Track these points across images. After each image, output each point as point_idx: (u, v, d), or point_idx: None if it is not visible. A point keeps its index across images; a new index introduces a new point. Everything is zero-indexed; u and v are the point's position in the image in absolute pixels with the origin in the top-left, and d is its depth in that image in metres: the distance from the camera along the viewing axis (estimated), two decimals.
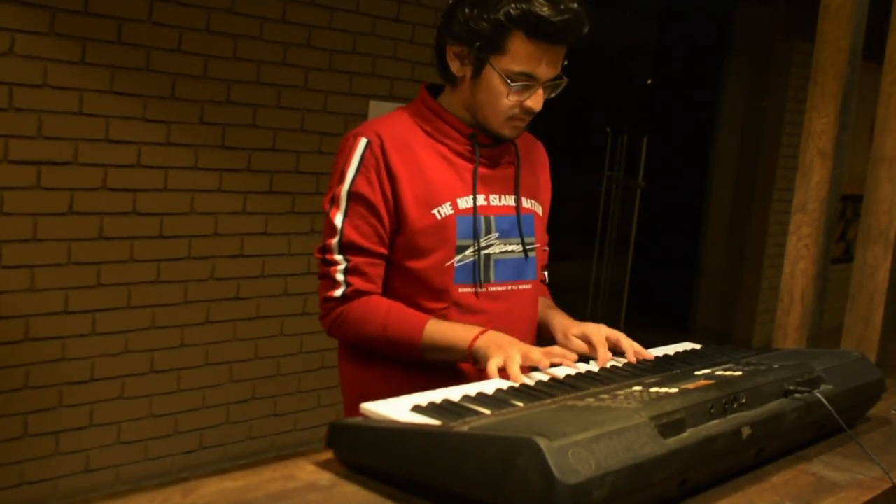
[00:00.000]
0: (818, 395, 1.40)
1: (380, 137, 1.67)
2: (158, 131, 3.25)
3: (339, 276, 1.67)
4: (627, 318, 5.65)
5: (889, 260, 2.78)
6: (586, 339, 1.72)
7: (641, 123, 5.59)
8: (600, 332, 1.70)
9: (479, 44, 1.63)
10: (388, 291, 1.71)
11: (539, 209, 1.85)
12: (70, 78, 3.00)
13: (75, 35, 3.00)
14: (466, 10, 1.63)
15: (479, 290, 1.71)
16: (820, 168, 2.76)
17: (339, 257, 1.67)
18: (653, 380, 1.42)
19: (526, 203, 1.80)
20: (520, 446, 1.01)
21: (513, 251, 1.76)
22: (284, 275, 3.70)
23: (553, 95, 1.71)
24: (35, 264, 3.01)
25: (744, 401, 1.29)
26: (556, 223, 2.02)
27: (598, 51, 5.03)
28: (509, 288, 1.75)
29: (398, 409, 1.26)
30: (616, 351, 1.69)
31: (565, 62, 1.68)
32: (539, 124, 1.90)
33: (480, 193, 1.72)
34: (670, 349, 1.78)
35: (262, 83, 3.51)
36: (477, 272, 1.70)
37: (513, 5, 1.59)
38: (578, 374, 1.53)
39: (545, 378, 1.49)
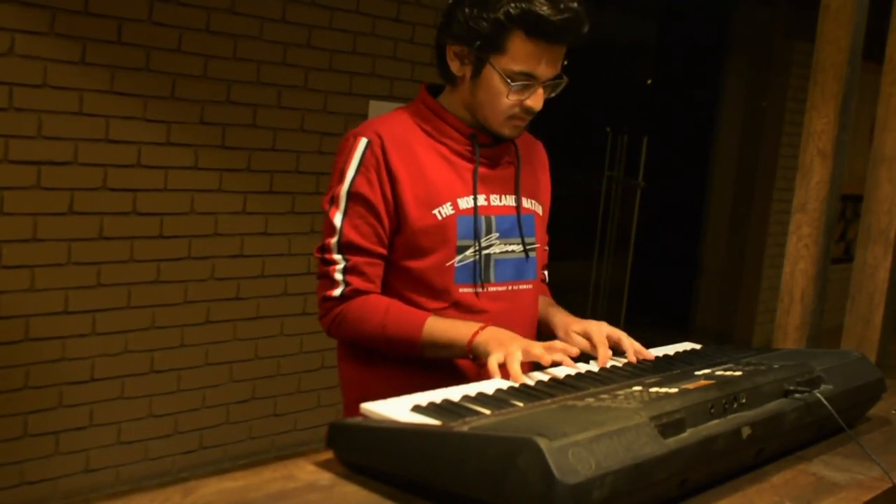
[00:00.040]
0: (818, 395, 1.40)
1: (380, 137, 1.67)
2: (158, 131, 3.25)
3: (338, 276, 1.67)
4: (627, 318, 5.65)
5: (889, 260, 2.78)
6: (587, 337, 1.72)
7: (641, 123, 5.59)
8: (601, 331, 1.70)
9: (478, 43, 1.63)
10: (387, 291, 1.70)
11: (539, 209, 1.85)
12: (70, 78, 3.00)
13: (75, 35, 3.00)
14: (466, 10, 1.63)
15: (479, 290, 1.71)
16: (820, 168, 2.76)
17: (338, 257, 1.67)
18: (653, 380, 1.42)
19: (526, 203, 1.80)
20: (520, 446, 1.01)
21: (513, 251, 1.76)
22: (284, 275, 3.70)
23: (553, 95, 1.71)
24: (35, 264, 3.01)
25: (744, 401, 1.29)
26: (556, 223, 2.02)
27: (598, 51, 5.03)
28: (510, 288, 1.75)
29: (398, 409, 1.26)
30: (617, 350, 1.69)
31: (565, 62, 1.68)
32: (539, 124, 1.90)
33: (481, 193, 1.72)
34: (670, 349, 1.78)
35: (262, 83, 3.51)
36: (478, 272, 1.70)
37: (512, 4, 1.59)
38: (578, 374, 1.53)
39: (545, 378, 1.49)
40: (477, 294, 1.70)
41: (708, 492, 1.23)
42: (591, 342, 1.70)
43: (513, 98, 1.65)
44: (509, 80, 1.63)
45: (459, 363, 1.68)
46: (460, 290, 1.69)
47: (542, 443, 0.99)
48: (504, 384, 1.45)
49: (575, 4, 1.61)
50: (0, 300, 2.95)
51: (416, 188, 1.66)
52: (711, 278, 6.76)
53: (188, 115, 3.32)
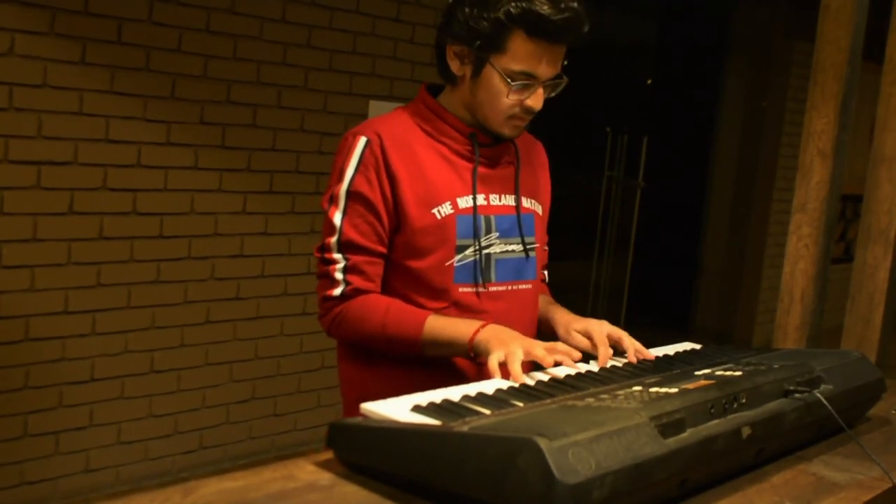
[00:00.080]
0: (818, 395, 1.40)
1: (379, 137, 1.67)
2: (158, 131, 3.25)
3: (338, 275, 1.67)
4: (627, 318, 5.65)
5: (889, 260, 2.78)
6: (588, 336, 1.72)
7: (641, 123, 5.59)
8: (602, 330, 1.70)
9: (479, 43, 1.63)
10: (387, 291, 1.70)
11: (539, 209, 1.85)
12: (70, 78, 3.00)
13: (75, 35, 3.00)
14: (466, 10, 1.63)
15: (481, 289, 1.71)
16: (820, 168, 2.76)
17: (337, 256, 1.67)
18: (653, 380, 1.42)
19: (526, 203, 1.80)
20: (520, 446, 1.01)
21: (513, 251, 1.76)
22: (284, 275, 3.70)
23: (553, 95, 1.71)
24: (35, 264, 3.01)
25: (744, 401, 1.29)
26: (556, 223, 2.02)
27: (598, 51, 5.03)
28: (509, 288, 1.75)
29: (398, 409, 1.26)
30: (617, 349, 1.69)
31: (565, 62, 1.68)
32: (539, 124, 1.90)
33: (480, 193, 1.72)
34: (670, 349, 1.78)
35: (262, 83, 3.51)
36: (478, 272, 1.70)
37: (513, 4, 1.59)
38: (578, 374, 1.53)
39: (545, 378, 1.49)
40: (478, 294, 1.70)
41: (708, 492, 1.23)
42: (591, 341, 1.70)
43: (513, 98, 1.65)
44: (509, 80, 1.63)
45: (459, 363, 1.69)
46: (460, 289, 1.69)
47: (542, 443, 0.99)
48: (504, 384, 1.45)
49: (575, 4, 1.61)
50: (0, 300, 2.95)
51: (416, 187, 1.66)
52: (711, 278, 6.76)
53: (188, 115, 3.32)
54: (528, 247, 1.78)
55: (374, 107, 3.84)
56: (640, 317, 5.69)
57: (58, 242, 3.05)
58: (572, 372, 1.54)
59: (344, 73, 3.76)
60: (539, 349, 1.54)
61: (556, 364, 1.56)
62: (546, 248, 1.91)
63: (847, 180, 2.94)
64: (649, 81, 5.76)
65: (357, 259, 1.66)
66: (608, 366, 1.62)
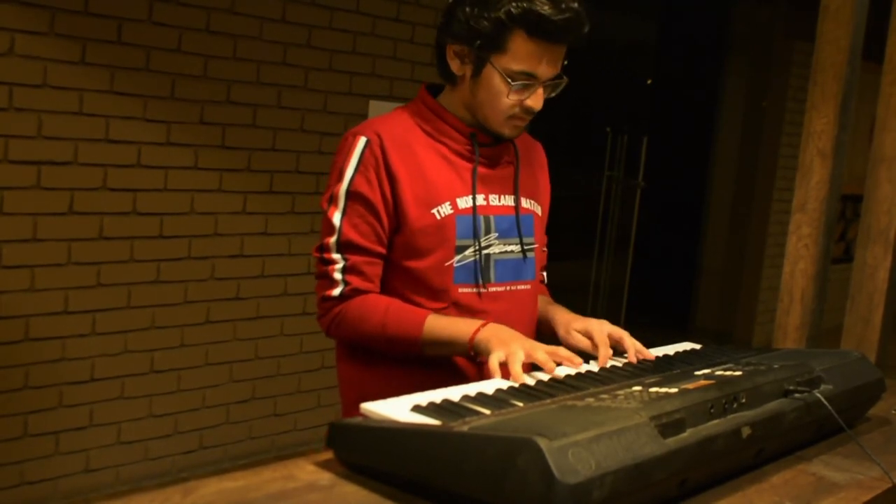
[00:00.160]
0: (818, 395, 1.40)
1: (379, 137, 1.66)
2: (158, 131, 3.25)
3: (337, 275, 1.66)
4: (627, 318, 5.65)
5: (889, 260, 2.78)
6: (588, 336, 1.72)
7: (641, 123, 5.59)
8: (602, 330, 1.70)
9: (479, 42, 1.63)
10: (386, 291, 1.70)
11: (538, 209, 1.84)
12: (70, 78, 3.00)
13: (75, 35, 3.00)
14: (467, 9, 1.63)
15: (480, 290, 1.71)
16: (820, 168, 2.76)
17: (336, 256, 1.67)
18: (653, 380, 1.42)
19: (525, 203, 1.80)
20: (520, 446, 1.01)
21: (512, 251, 1.76)
22: (284, 275, 3.70)
23: (553, 95, 1.71)
24: (35, 264, 3.01)
25: (744, 401, 1.29)
26: (556, 223, 2.02)
27: (598, 51, 5.03)
28: (508, 288, 1.75)
29: (398, 409, 1.26)
30: (618, 349, 1.69)
31: (565, 62, 1.68)
32: (539, 124, 1.90)
33: (480, 193, 1.72)
34: (670, 349, 1.78)
35: (262, 83, 3.51)
36: (478, 272, 1.70)
37: (514, 4, 1.59)
38: (578, 374, 1.53)
39: (545, 378, 1.49)
40: (478, 294, 1.70)
41: (708, 492, 1.23)
42: (592, 341, 1.70)
43: (513, 98, 1.65)
44: (510, 80, 1.63)
45: (459, 363, 1.68)
46: (459, 290, 1.69)
47: (542, 443, 0.99)
48: (504, 384, 1.45)
49: (576, 4, 1.61)
50: (0, 300, 2.95)
51: (416, 188, 1.66)
52: (711, 278, 6.76)
53: (188, 115, 3.32)
54: (526, 247, 1.78)
55: (374, 107, 3.84)
56: (640, 317, 5.68)
57: (58, 242, 3.05)
58: (572, 372, 1.54)
59: (344, 73, 3.76)
60: (541, 353, 1.53)
61: (557, 364, 1.55)
62: (545, 249, 1.91)
63: (847, 180, 2.94)
64: (649, 81, 5.76)
65: (356, 259, 1.66)
66: (608, 366, 1.62)
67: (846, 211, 6.77)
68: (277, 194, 3.64)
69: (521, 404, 1.29)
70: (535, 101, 1.66)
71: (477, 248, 1.70)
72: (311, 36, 3.62)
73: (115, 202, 3.17)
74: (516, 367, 1.48)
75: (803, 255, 2.79)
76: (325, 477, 1.19)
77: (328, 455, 1.23)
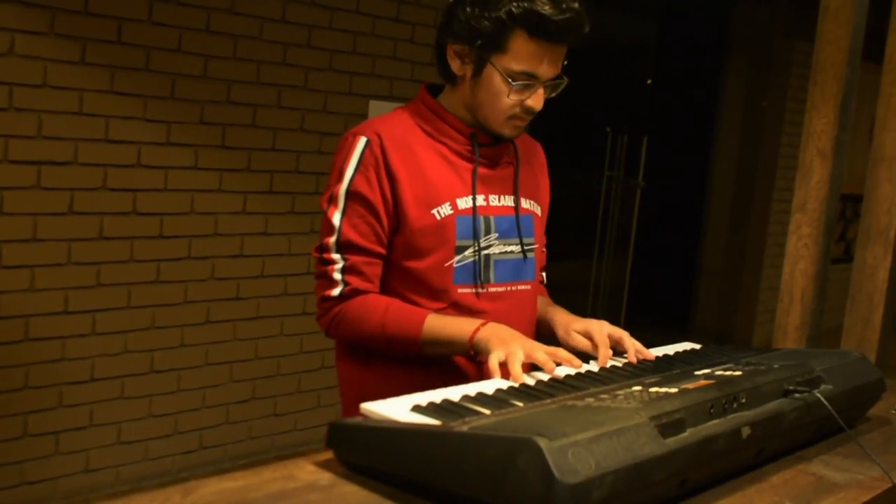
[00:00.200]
0: (818, 395, 1.40)
1: (379, 137, 1.66)
2: (158, 131, 3.25)
3: (337, 276, 1.66)
4: (627, 318, 5.65)
5: (889, 260, 2.78)
6: (588, 336, 1.72)
7: (641, 123, 5.59)
8: (602, 330, 1.70)
9: (480, 42, 1.63)
10: (386, 292, 1.70)
11: (538, 210, 1.84)
12: (70, 78, 3.00)
13: (75, 35, 3.00)
14: (468, 9, 1.63)
15: (479, 290, 1.71)
16: (820, 168, 2.76)
17: (336, 256, 1.66)
18: (653, 380, 1.42)
19: (525, 203, 1.80)
20: (520, 446, 1.01)
21: (512, 251, 1.75)
22: (284, 275, 3.70)
23: (553, 95, 1.71)
24: (35, 264, 3.01)
25: (744, 401, 1.29)
26: (556, 223, 2.02)
27: (598, 51, 5.03)
28: (508, 289, 1.75)
29: (398, 408, 1.26)
30: (617, 350, 1.69)
31: (565, 62, 1.68)
32: (539, 124, 1.90)
33: (480, 193, 1.72)
34: (670, 349, 1.78)
35: (262, 83, 3.51)
36: (477, 272, 1.70)
37: (514, 4, 1.59)
38: (578, 374, 1.53)
39: (545, 378, 1.49)
40: (477, 294, 1.70)
41: (708, 492, 1.23)
42: (592, 341, 1.70)
43: (513, 98, 1.65)
44: (510, 80, 1.63)
45: (459, 362, 1.68)
46: (459, 290, 1.69)
47: (542, 443, 0.99)
48: (504, 384, 1.45)
49: (576, 5, 1.61)
50: (0, 300, 2.95)
51: (416, 188, 1.66)
52: (711, 278, 6.76)
53: (188, 115, 3.32)
54: (526, 248, 1.78)
55: (374, 107, 3.84)
56: (640, 317, 5.68)
57: (58, 242, 3.05)
58: (572, 372, 1.54)
59: (344, 73, 3.76)
60: (541, 353, 1.53)
61: (556, 364, 1.55)
62: (544, 249, 1.91)
63: (847, 180, 2.94)
64: (649, 81, 5.76)
65: (356, 259, 1.66)
66: (608, 366, 1.62)
67: (846, 211, 6.77)
68: (277, 194, 3.64)
69: (521, 404, 1.29)
70: (536, 101, 1.66)
71: (476, 248, 1.70)
72: (311, 36, 3.63)
73: (115, 202, 3.17)
74: (516, 367, 1.48)
75: (803, 255, 2.79)
76: (325, 477, 1.19)
77: (328, 455, 1.23)
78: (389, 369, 1.70)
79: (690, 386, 1.30)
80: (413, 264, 1.68)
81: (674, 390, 1.26)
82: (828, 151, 2.74)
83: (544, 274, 1.93)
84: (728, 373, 1.43)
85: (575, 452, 1.00)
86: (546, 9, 1.58)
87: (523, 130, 1.76)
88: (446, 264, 1.68)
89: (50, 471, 3.15)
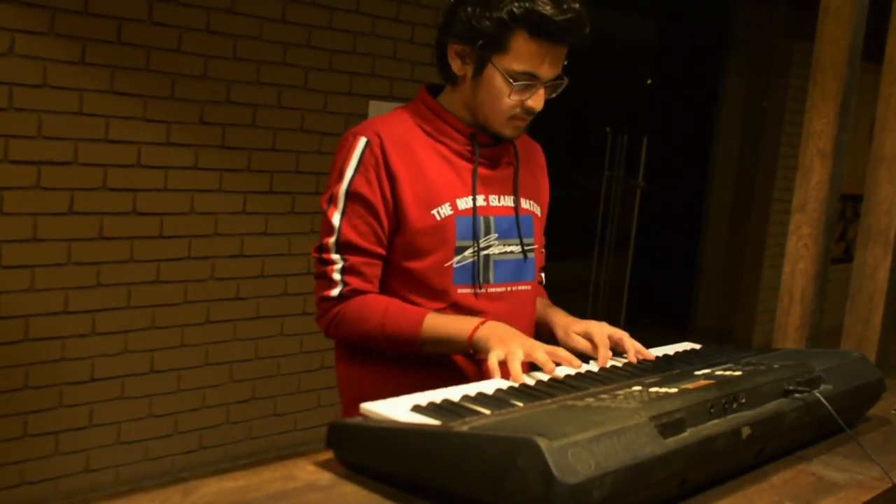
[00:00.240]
0: (818, 395, 1.40)
1: (379, 137, 1.66)
2: (158, 131, 3.25)
3: (336, 276, 1.66)
4: (627, 318, 5.65)
5: (889, 260, 2.78)
6: (588, 337, 1.72)
7: (641, 123, 5.59)
8: (603, 331, 1.70)
9: (481, 42, 1.63)
10: (386, 292, 1.70)
11: (537, 210, 1.84)
12: (70, 78, 3.00)
13: (75, 35, 3.00)
14: (469, 9, 1.63)
15: (478, 290, 1.71)
16: (820, 168, 2.76)
17: (336, 256, 1.66)
18: (653, 380, 1.42)
19: (525, 204, 1.80)
20: (520, 446, 1.01)
21: (512, 252, 1.75)
22: (284, 275, 3.70)
23: (554, 95, 1.71)
24: (35, 264, 3.01)
25: (744, 401, 1.29)
26: (556, 223, 2.02)
27: (598, 51, 5.03)
28: (508, 289, 1.75)
29: (398, 409, 1.26)
30: (618, 350, 1.69)
31: (565, 62, 1.68)
32: (539, 124, 1.90)
33: (480, 194, 1.71)
34: (670, 349, 1.78)
35: (262, 83, 3.51)
36: (476, 273, 1.70)
37: (516, 4, 1.59)
38: (578, 374, 1.53)
39: (545, 378, 1.49)
40: (476, 295, 1.70)
41: (708, 492, 1.23)
42: (591, 342, 1.70)
43: (514, 98, 1.65)
44: (511, 80, 1.63)
45: (459, 363, 1.68)
46: (459, 290, 1.69)
47: (542, 443, 0.99)
48: (504, 384, 1.45)
49: (577, 5, 1.61)
50: (0, 300, 2.95)
51: (416, 188, 1.66)
52: (711, 278, 6.76)
53: (188, 115, 3.32)
54: (526, 248, 1.78)
55: (374, 107, 3.84)
56: (640, 317, 5.69)
57: (58, 242, 3.05)
58: (572, 372, 1.54)
59: (344, 73, 3.76)
60: (540, 353, 1.53)
61: (556, 364, 1.55)
62: (543, 250, 1.91)
63: (847, 180, 2.94)
64: (649, 81, 5.76)
65: (355, 260, 1.66)
66: (608, 366, 1.62)
67: (846, 211, 6.77)
68: (277, 194, 3.64)
69: (521, 404, 1.29)
70: (537, 101, 1.66)
71: (476, 249, 1.70)
72: (311, 36, 3.63)
73: (115, 202, 3.17)
74: (515, 367, 1.48)
75: (803, 255, 2.79)
76: (325, 477, 1.19)
77: (328, 455, 1.23)
78: (389, 370, 1.69)
79: (690, 386, 1.30)
80: (413, 265, 1.68)
81: (674, 390, 1.26)
82: (828, 151, 2.74)
83: (543, 275, 1.93)
84: (728, 373, 1.43)
85: (575, 452, 1.00)
86: (547, 9, 1.58)
87: (524, 131, 1.76)
88: (446, 265, 1.68)
89: (50, 471, 3.15)
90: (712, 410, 1.23)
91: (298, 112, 3.64)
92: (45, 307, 3.05)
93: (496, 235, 1.72)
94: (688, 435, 1.16)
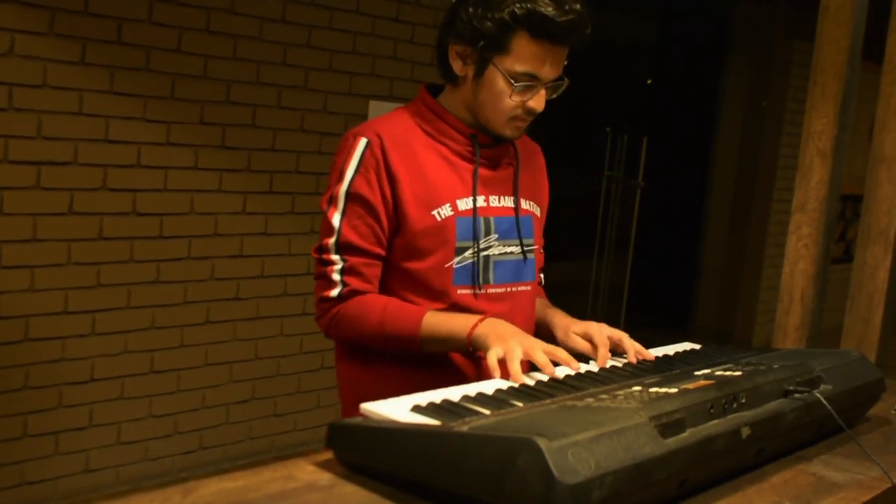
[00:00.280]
0: (818, 395, 1.40)
1: (380, 137, 1.66)
2: (158, 131, 3.25)
3: (336, 276, 1.66)
4: (627, 318, 5.65)
5: (889, 260, 2.78)
6: (588, 338, 1.72)
7: (641, 123, 5.59)
8: (602, 332, 1.70)
9: (482, 43, 1.63)
10: (386, 293, 1.70)
11: (537, 211, 1.84)
12: (70, 78, 3.00)
13: (75, 35, 3.00)
14: (470, 10, 1.63)
15: (477, 291, 1.70)
16: (820, 168, 2.76)
17: (335, 257, 1.66)
18: (652, 380, 1.42)
19: (525, 204, 1.80)
20: (520, 446, 1.01)
21: (512, 252, 1.75)
22: (284, 275, 3.70)
23: (554, 96, 1.71)
24: (35, 264, 3.01)
25: (743, 401, 1.29)
26: (556, 223, 2.02)
27: (598, 51, 5.03)
28: (508, 289, 1.75)
29: (398, 409, 1.26)
30: (618, 351, 1.69)
31: (566, 63, 1.68)
32: (539, 124, 1.90)
33: (480, 195, 1.71)
34: (670, 349, 1.78)
35: (262, 83, 3.51)
36: (476, 273, 1.70)
37: (518, 5, 1.59)
38: (578, 374, 1.53)
39: (545, 378, 1.49)
40: (475, 296, 1.70)
41: (708, 492, 1.23)
42: (591, 343, 1.70)
43: (515, 99, 1.65)
44: (513, 81, 1.63)
45: (459, 362, 1.68)
46: (458, 291, 1.69)
47: (542, 443, 0.99)
48: (504, 384, 1.45)
49: (578, 6, 1.61)
50: (0, 300, 2.95)
51: (416, 188, 1.66)
52: (711, 278, 6.76)
53: (188, 115, 3.32)
54: (526, 249, 1.78)
55: (374, 107, 3.84)
56: (640, 317, 5.69)
57: (58, 242, 3.05)
58: (572, 372, 1.54)
59: (344, 73, 3.76)
60: (539, 353, 1.52)
61: (555, 364, 1.55)
62: (542, 251, 1.91)
63: (847, 180, 2.94)
64: (649, 81, 5.76)
65: (355, 261, 1.66)
66: (608, 366, 1.62)
67: (846, 211, 6.77)
68: (277, 194, 3.64)
69: (520, 404, 1.29)
70: (538, 102, 1.66)
71: (476, 249, 1.70)
72: (311, 36, 3.63)
73: (115, 202, 3.17)
74: (514, 366, 1.48)
75: (803, 255, 2.79)
76: (325, 477, 1.19)
77: (328, 455, 1.23)
78: (389, 370, 1.69)
79: (690, 386, 1.30)
80: (413, 265, 1.68)
81: (674, 390, 1.26)
82: (828, 151, 2.74)
83: (542, 275, 1.93)
84: (728, 373, 1.43)
85: (575, 452, 1.00)
86: (549, 10, 1.58)
87: (524, 131, 1.76)
88: (446, 265, 1.67)
89: (50, 471, 3.15)
90: (712, 410, 1.23)
91: (298, 112, 3.64)
92: (45, 307, 3.05)
93: (496, 236, 1.72)
94: (688, 435, 1.16)
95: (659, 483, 1.10)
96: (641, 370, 1.59)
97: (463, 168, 1.71)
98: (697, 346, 1.82)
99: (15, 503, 3.08)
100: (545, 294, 1.96)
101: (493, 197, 1.74)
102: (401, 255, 1.68)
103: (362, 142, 1.66)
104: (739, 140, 6.56)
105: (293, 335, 3.76)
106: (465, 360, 1.69)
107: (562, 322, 1.80)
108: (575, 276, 5.54)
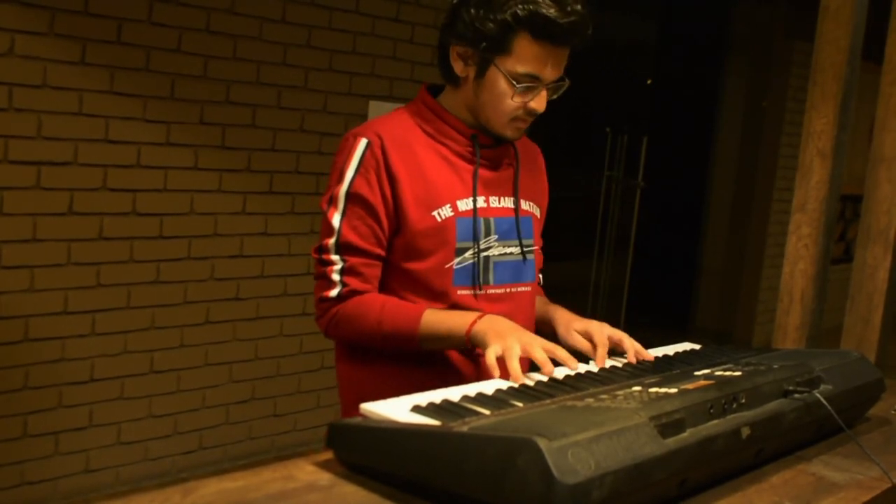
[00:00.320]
0: (818, 395, 1.40)
1: (380, 138, 1.66)
2: (158, 131, 3.25)
3: (336, 277, 1.66)
4: (627, 318, 5.65)
5: (889, 260, 2.78)
6: (588, 337, 1.72)
7: (641, 123, 5.59)
8: (603, 332, 1.70)
9: (484, 44, 1.63)
10: (386, 293, 1.70)
11: (537, 211, 1.85)
12: (70, 78, 3.00)
13: (75, 35, 3.00)
14: (472, 11, 1.63)
15: (477, 292, 1.70)
16: (819, 168, 2.76)
17: (335, 257, 1.66)
18: (652, 380, 1.42)
19: (524, 205, 1.80)
20: (519, 446, 1.01)
21: (511, 253, 1.76)
22: (284, 275, 3.70)
23: (555, 97, 1.71)
24: (35, 264, 3.01)
25: (743, 401, 1.29)
26: (556, 223, 2.02)
27: (598, 51, 5.03)
28: (508, 290, 1.75)
29: (398, 409, 1.26)
30: (617, 351, 1.69)
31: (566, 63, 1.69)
32: (539, 124, 1.90)
33: (480, 195, 1.72)
34: (670, 349, 1.78)
35: (262, 83, 3.51)
36: (476, 274, 1.70)
37: (519, 6, 1.59)
38: (578, 374, 1.53)
39: (545, 378, 1.49)
40: (475, 296, 1.70)
41: (707, 492, 1.23)
42: (591, 342, 1.70)
43: (517, 100, 1.65)
44: (514, 82, 1.63)
45: (458, 362, 1.68)
46: (458, 292, 1.69)
47: (542, 443, 0.99)
48: (504, 384, 1.45)
49: (580, 7, 1.61)
50: (0, 300, 2.95)
51: (416, 189, 1.66)
52: (711, 278, 6.76)
53: (188, 115, 3.32)
54: (525, 249, 1.78)
55: (374, 107, 3.84)
56: (640, 317, 5.69)
57: (58, 242, 3.05)
58: (572, 372, 1.54)
59: (344, 73, 3.76)
60: (539, 351, 1.52)
61: (555, 364, 1.55)
62: (541, 251, 1.91)
63: (847, 180, 2.94)
64: (649, 81, 5.76)
65: (355, 261, 1.66)
66: (608, 366, 1.62)
67: (846, 211, 6.77)
68: (277, 194, 3.64)
69: (520, 404, 1.29)
70: (539, 103, 1.67)
71: (476, 250, 1.70)
72: (311, 36, 3.63)
73: (115, 202, 3.17)
74: (513, 364, 1.48)
75: (803, 255, 2.79)
76: (325, 477, 1.19)
77: (328, 455, 1.23)
78: (389, 370, 1.70)
79: (690, 386, 1.30)
80: (413, 266, 1.68)
81: (673, 390, 1.26)
82: (828, 151, 2.74)
83: (541, 276, 1.93)
84: (728, 373, 1.43)
85: (575, 453, 1.00)
86: (551, 11, 1.58)
87: (525, 132, 1.76)
88: (446, 266, 1.68)
89: (50, 471, 3.15)
90: (712, 411, 1.23)
91: (298, 112, 3.64)
92: (45, 307, 3.05)
93: (496, 237, 1.72)
94: (687, 435, 1.16)
95: (659, 483, 1.10)
96: (641, 370, 1.59)
97: (463, 169, 1.71)
98: (697, 347, 1.82)
99: (15, 503, 3.08)
100: (545, 294, 1.96)
101: (494, 198, 1.74)
102: (401, 255, 1.68)
103: (362, 142, 1.66)
104: (739, 140, 6.56)
105: (293, 335, 3.76)
106: (465, 359, 1.69)
107: (563, 318, 1.80)
108: (575, 276, 5.54)
